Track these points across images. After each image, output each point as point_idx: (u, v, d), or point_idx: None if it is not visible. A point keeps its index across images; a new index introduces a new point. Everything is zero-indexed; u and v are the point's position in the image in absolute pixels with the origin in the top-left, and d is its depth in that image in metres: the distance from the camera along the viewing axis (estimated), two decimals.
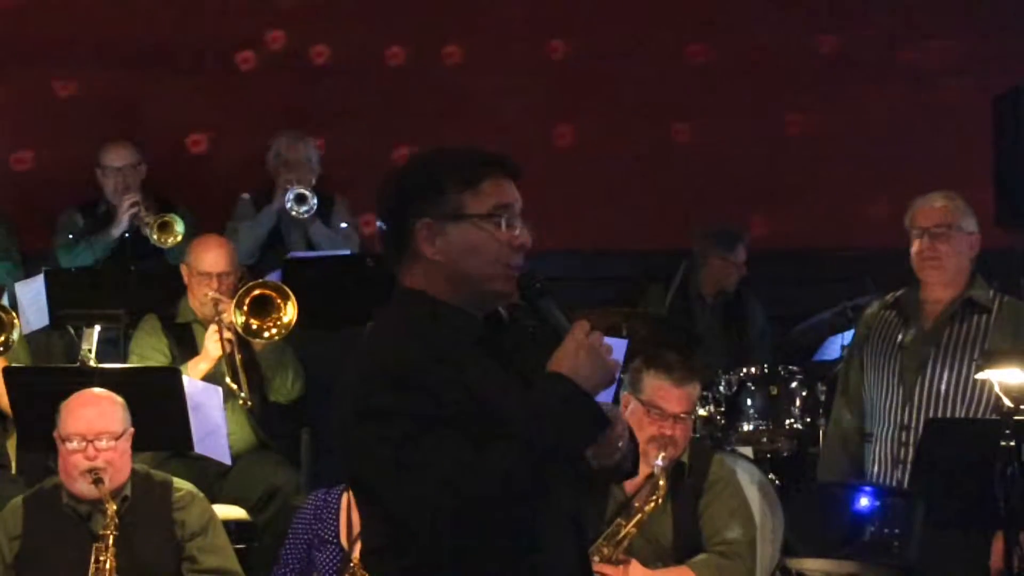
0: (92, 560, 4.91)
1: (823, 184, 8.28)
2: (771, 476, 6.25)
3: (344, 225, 7.44)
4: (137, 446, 5.21)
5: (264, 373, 6.32)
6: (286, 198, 7.20)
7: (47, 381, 5.62)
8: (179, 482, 5.24)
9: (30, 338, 6.44)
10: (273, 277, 6.38)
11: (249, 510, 6.10)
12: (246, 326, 6.11)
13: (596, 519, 5.02)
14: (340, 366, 2.98)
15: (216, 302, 6.18)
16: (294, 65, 8.17)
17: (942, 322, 5.30)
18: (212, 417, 5.82)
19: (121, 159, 7.40)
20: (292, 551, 5.08)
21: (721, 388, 6.53)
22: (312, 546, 5.02)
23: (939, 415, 5.18)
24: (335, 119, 8.02)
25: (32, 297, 6.46)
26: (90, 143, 7.57)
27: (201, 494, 5.28)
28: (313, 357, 6.49)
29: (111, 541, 4.92)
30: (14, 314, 6.00)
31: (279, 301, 6.14)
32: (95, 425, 5.04)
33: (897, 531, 4.81)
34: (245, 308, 6.11)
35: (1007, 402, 4.48)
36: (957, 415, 5.18)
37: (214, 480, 6.05)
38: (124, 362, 6.17)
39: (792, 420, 6.50)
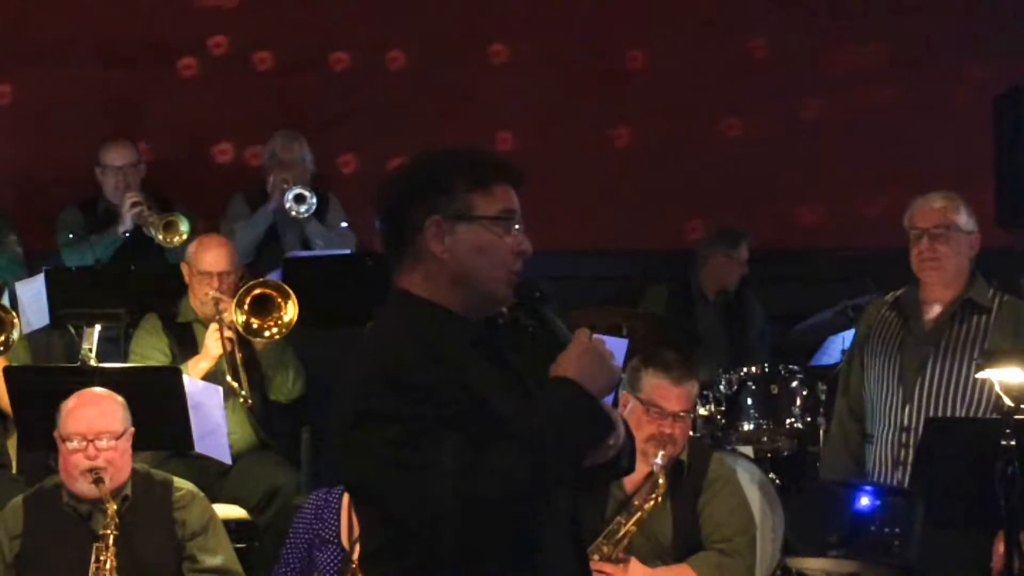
0: (92, 560, 4.91)
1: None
2: (771, 475, 6.26)
3: (344, 224, 7.45)
4: (137, 445, 5.21)
5: (265, 372, 6.32)
6: (286, 198, 7.20)
7: (47, 380, 5.62)
8: (179, 481, 5.24)
9: (30, 337, 6.45)
10: (273, 276, 6.39)
11: (249, 510, 6.10)
12: (247, 325, 6.11)
13: (596, 518, 5.03)
14: (341, 365, 2.99)
15: (217, 301, 6.18)
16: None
17: (942, 322, 5.29)
18: (212, 416, 5.83)
19: (121, 158, 7.41)
20: (293, 551, 5.08)
21: (721, 387, 6.54)
22: (313, 546, 5.02)
23: (939, 415, 5.17)
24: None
25: (32, 296, 6.46)
26: (90, 142, 7.58)
27: (201, 494, 5.28)
28: (314, 356, 6.49)
29: (111, 541, 4.92)
30: (14, 313, 6.00)
31: (279, 300, 6.14)
32: (95, 425, 5.04)
33: (897, 530, 4.80)
34: (246, 307, 6.11)
35: (1007, 401, 4.47)
36: (957, 415, 5.17)
37: (214, 480, 6.05)
38: (124, 361, 6.17)
39: (792, 419, 6.51)
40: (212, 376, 6.11)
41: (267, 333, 6.16)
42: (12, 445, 6.14)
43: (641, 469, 5.10)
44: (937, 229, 5.25)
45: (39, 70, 8.01)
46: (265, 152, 7.59)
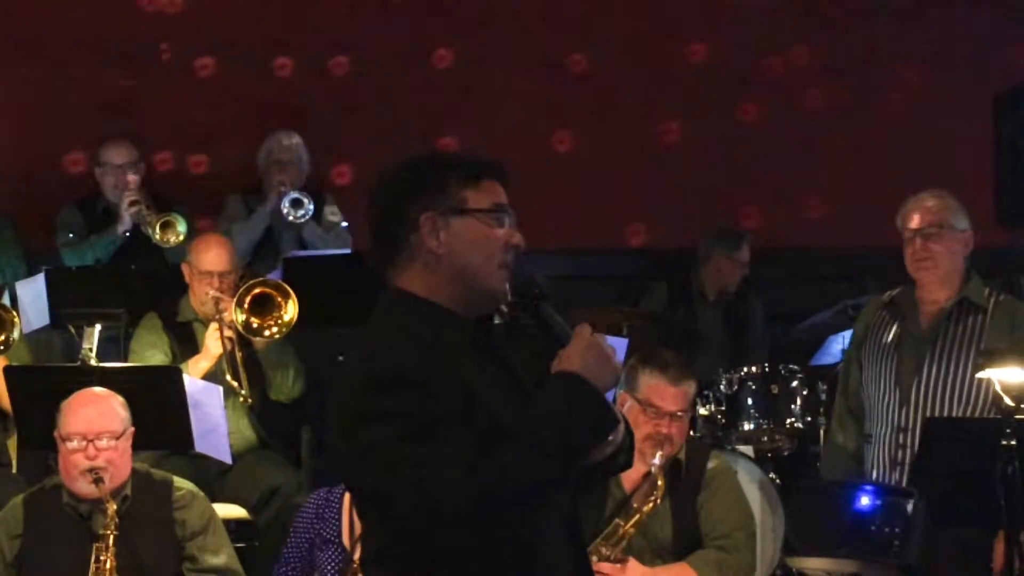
0: (92, 559, 4.91)
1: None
2: (772, 475, 6.26)
3: (345, 224, 7.44)
4: (138, 445, 5.21)
5: (265, 371, 6.33)
6: (282, 203, 7.19)
7: (48, 380, 5.63)
8: (179, 481, 5.24)
9: (31, 337, 6.44)
10: (273, 276, 6.39)
11: (250, 509, 6.10)
12: (247, 324, 6.11)
13: (595, 518, 5.03)
14: (341, 365, 2.99)
15: (217, 301, 6.19)
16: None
17: (938, 322, 5.29)
18: (212, 416, 5.82)
19: (121, 157, 7.40)
20: (294, 550, 5.07)
21: (722, 387, 6.54)
22: (314, 545, 5.02)
23: (936, 416, 5.17)
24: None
25: (33, 296, 6.46)
26: (90, 142, 7.58)
27: (202, 493, 5.29)
28: (314, 356, 6.49)
29: (111, 540, 4.92)
30: (15, 313, 6.00)
31: (279, 299, 6.14)
32: (95, 424, 5.04)
33: (898, 530, 4.80)
34: (246, 306, 6.11)
35: (1008, 401, 4.47)
36: (955, 415, 5.17)
37: (215, 479, 6.05)
38: (125, 361, 6.17)
39: (793, 419, 6.51)
40: (212, 375, 6.11)
41: (267, 332, 6.16)
42: (12, 445, 6.14)
43: (639, 469, 5.10)
44: (930, 228, 5.25)
45: (40, 68, 8.01)
46: (261, 152, 7.58)
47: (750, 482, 5.88)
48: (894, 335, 5.35)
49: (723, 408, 6.54)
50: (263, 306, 6.16)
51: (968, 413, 5.17)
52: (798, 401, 6.49)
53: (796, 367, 6.62)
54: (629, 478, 5.13)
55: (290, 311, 6.13)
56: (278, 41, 8.21)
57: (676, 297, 7.79)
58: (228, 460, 5.95)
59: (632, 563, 5.05)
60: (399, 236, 2.97)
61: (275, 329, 6.16)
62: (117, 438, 5.05)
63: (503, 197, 3.02)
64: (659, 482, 5.04)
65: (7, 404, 5.89)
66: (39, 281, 6.50)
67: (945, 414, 5.17)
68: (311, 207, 7.21)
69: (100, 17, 8.06)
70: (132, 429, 5.13)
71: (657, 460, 5.06)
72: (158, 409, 5.54)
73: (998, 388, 4.51)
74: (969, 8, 8.41)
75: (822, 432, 6.30)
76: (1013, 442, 4.44)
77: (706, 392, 6.52)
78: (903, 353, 5.31)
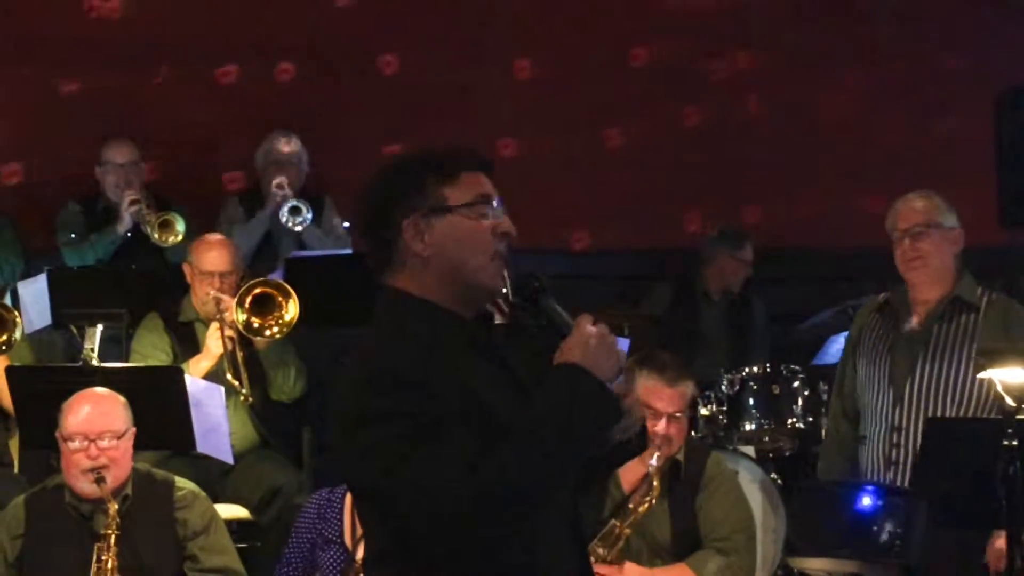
0: (94, 559, 4.91)
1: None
2: (773, 475, 6.26)
3: (346, 225, 7.44)
4: (139, 445, 5.21)
5: (266, 371, 6.33)
6: (281, 212, 7.19)
7: (49, 380, 5.63)
8: (181, 481, 5.24)
9: (32, 337, 6.45)
10: (275, 276, 6.39)
11: (251, 509, 6.11)
12: (247, 324, 6.12)
13: (594, 519, 5.03)
14: (342, 365, 2.99)
15: (218, 300, 6.19)
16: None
17: (930, 321, 5.30)
18: (214, 416, 5.82)
19: (123, 156, 7.40)
20: (295, 550, 5.07)
21: (723, 387, 6.54)
22: (316, 545, 5.02)
23: (930, 415, 5.19)
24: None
25: (34, 296, 6.47)
26: (91, 141, 7.58)
27: (203, 493, 5.28)
28: (315, 355, 6.50)
29: (113, 540, 4.92)
30: (16, 313, 6.00)
31: (280, 299, 6.14)
32: (97, 424, 5.05)
33: (899, 530, 4.80)
34: (247, 306, 6.12)
35: (1009, 401, 4.47)
36: (948, 414, 5.18)
37: (216, 479, 6.05)
38: (126, 361, 6.17)
39: (794, 419, 6.51)
40: (213, 375, 6.11)
41: (268, 332, 6.17)
42: (14, 444, 6.15)
43: (638, 470, 5.11)
44: (918, 228, 5.27)
45: (41, 68, 8.02)
46: (260, 153, 7.57)
47: (751, 482, 5.89)
48: (888, 336, 5.36)
49: (724, 408, 6.54)
50: (264, 306, 6.16)
51: (962, 412, 5.18)
52: (799, 401, 6.50)
53: (797, 367, 6.63)
54: (628, 479, 5.14)
55: (291, 311, 6.13)
56: (282, 47, 8.23)
57: (679, 297, 7.80)
58: (230, 460, 5.95)
59: (629, 565, 5.05)
60: (387, 242, 2.97)
61: (276, 329, 6.16)
62: (119, 438, 5.05)
63: (486, 187, 3.00)
64: (654, 482, 5.05)
65: (9, 404, 5.90)
66: (41, 281, 6.50)
67: (939, 413, 5.19)
68: (309, 216, 7.19)
69: (100, 17, 8.05)
70: (134, 429, 5.13)
71: (654, 461, 5.07)
72: (159, 409, 5.55)
73: (999, 388, 4.51)
74: (970, 8, 8.42)
75: (823, 432, 6.30)
76: (1014, 442, 4.43)
77: (707, 392, 6.53)
78: (897, 353, 5.32)
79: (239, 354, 6.19)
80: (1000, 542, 4.88)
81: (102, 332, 6.09)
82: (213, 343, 6.17)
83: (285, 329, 6.16)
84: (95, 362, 5.89)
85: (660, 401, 5.10)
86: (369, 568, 3.01)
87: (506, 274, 3.04)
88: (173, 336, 6.36)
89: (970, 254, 5.37)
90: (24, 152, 8.03)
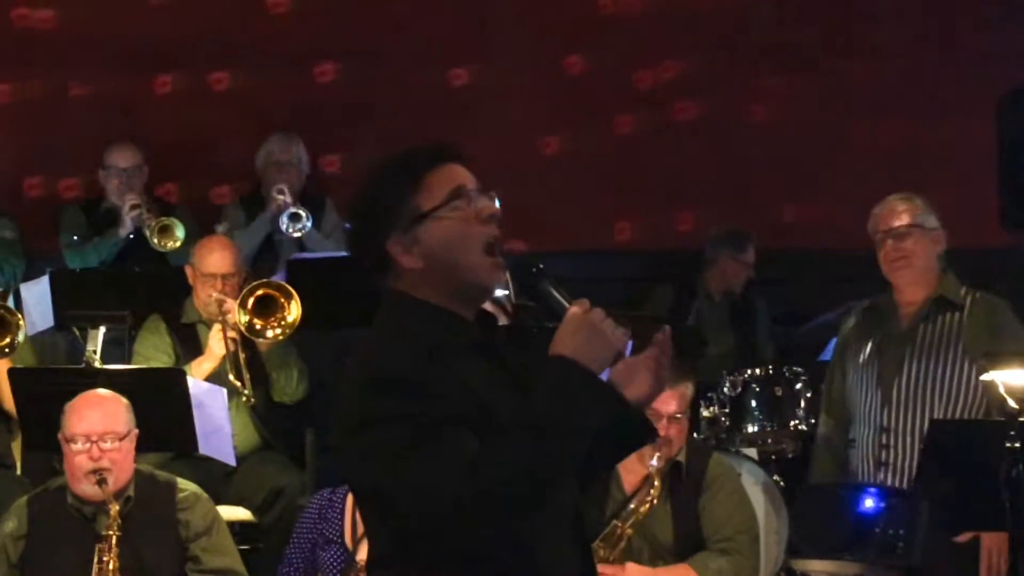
0: (96, 560, 4.92)
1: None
2: (775, 477, 6.25)
3: (347, 225, 7.42)
4: (142, 447, 5.21)
5: (268, 373, 6.33)
6: (281, 220, 7.18)
7: (52, 382, 5.63)
8: (183, 483, 5.25)
9: (35, 339, 6.45)
10: (278, 278, 6.40)
11: (254, 511, 6.11)
12: (250, 326, 6.12)
13: (596, 519, 5.03)
14: (344, 366, 2.98)
15: (220, 302, 6.19)
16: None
17: (916, 322, 5.33)
18: (216, 417, 5.83)
19: (126, 160, 7.41)
20: (297, 550, 5.08)
21: (726, 389, 6.53)
22: (317, 545, 5.03)
23: (918, 415, 5.22)
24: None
25: (37, 298, 6.47)
26: (92, 143, 7.58)
27: (205, 495, 5.29)
28: (317, 357, 6.50)
29: (115, 542, 4.92)
30: (19, 315, 6.00)
31: (283, 301, 6.14)
32: (99, 426, 5.05)
33: (902, 532, 4.81)
34: (249, 308, 6.12)
35: (1012, 404, 4.48)
36: (937, 414, 5.20)
37: (219, 481, 6.05)
38: (128, 363, 6.18)
39: (796, 421, 6.50)
40: (216, 377, 6.12)
41: (270, 334, 6.17)
42: (17, 446, 6.15)
43: (639, 471, 5.12)
44: (900, 228, 5.30)
45: (46, 70, 8.02)
46: (259, 155, 7.57)
47: (754, 484, 5.88)
48: (874, 338, 5.39)
49: (727, 410, 6.53)
50: (266, 307, 6.16)
51: (951, 411, 5.21)
52: (802, 403, 6.49)
53: (800, 369, 6.61)
54: (629, 480, 5.15)
55: (293, 312, 6.13)
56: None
57: (682, 298, 7.80)
58: (232, 462, 5.95)
59: (630, 565, 5.06)
60: (381, 264, 2.96)
61: (278, 330, 6.16)
62: (121, 439, 5.05)
63: (455, 178, 2.93)
64: (655, 483, 5.05)
65: (11, 406, 5.90)
66: (43, 283, 6.51)
67: (927, 413, 5.22)
68: (309, 223, 7.18)
69: (101, 18, 8.06)
70: (136, 431, 5.13)
71: (655, 462, 5.07)
72: (162, 411, 5.55)
73: (1002, 391, 4.52)
74: (971, 7, 8.42)
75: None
76: (1018, 444, 4.44)
77: (710, 394, 6.52)
78: (884, 355, 5.36)
79: (241, 356, 6.19)
80: (988, 542, 4.90)
81: (104, 334, 6.09)
82: (215, 345, 6.17)
83: (287, 330, 6.16)
84: (97, 364, 5.89)
85: (660, 402, 5.09)
86: (370, 568, 3.00)
87: (507, 275, 3.02)
88: (175, 338, 6.36)
89: (971, 255, 5.39)
90: (27, 155, 8.03)
